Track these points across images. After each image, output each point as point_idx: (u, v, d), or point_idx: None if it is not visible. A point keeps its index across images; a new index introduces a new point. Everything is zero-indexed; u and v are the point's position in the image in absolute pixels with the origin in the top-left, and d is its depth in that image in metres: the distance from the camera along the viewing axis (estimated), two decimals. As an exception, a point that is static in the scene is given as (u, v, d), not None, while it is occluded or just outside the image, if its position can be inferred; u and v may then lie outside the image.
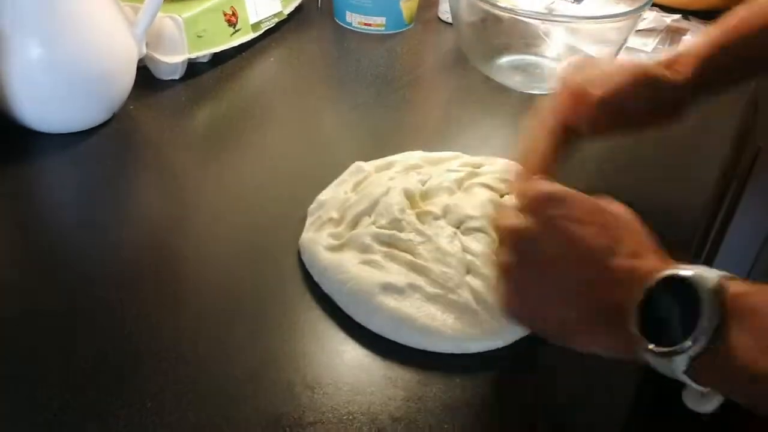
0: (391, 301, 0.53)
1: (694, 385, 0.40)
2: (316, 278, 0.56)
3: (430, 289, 0.53)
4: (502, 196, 0.62)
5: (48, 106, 0.70)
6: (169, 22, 0.79)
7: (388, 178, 0.63)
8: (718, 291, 0.38)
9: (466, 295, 0.53)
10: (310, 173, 0.68)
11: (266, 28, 0.92)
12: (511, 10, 0.80)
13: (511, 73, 0.87)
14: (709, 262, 0.87)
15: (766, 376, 0.37)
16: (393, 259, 0.56)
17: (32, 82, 0.68)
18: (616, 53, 0.84)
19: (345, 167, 0.66)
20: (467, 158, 0.68)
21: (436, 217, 0.59)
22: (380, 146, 0.70)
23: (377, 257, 0.55)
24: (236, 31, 0.86)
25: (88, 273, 0.57)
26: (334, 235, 0.58)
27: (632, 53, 0.92)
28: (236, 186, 0.68)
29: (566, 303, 0.44)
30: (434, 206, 0.59)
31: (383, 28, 0.97)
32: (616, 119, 0.58)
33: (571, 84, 0.58)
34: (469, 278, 0.54)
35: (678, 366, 0.39)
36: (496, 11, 0.80)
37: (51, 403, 0.46)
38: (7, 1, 0.66)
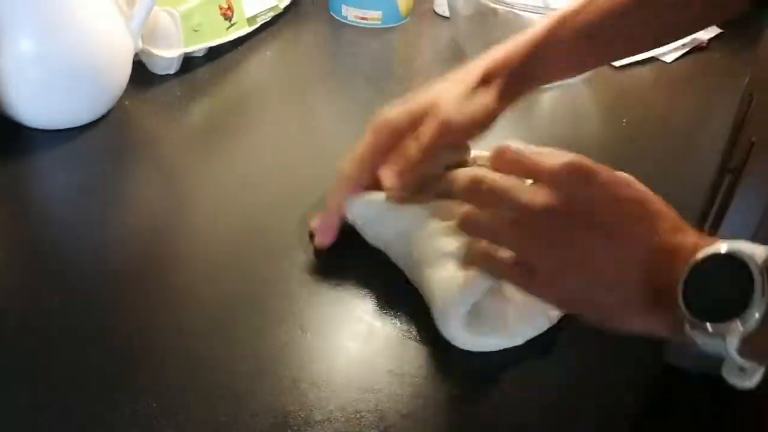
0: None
1: (739, 360, 0.39)
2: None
3: None
4: None
5: (42, 102, 0.69)
6: (165, 16, 0.78)
7: None
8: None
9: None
10: (308, 167, 0.68)
11: (262, 22, 0.91)
12: (507, 4, 0.80)
13: (509, 67, 0.87)
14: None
15: None
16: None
17: (26, 78, 0.67)
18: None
19: (343, 161, 0.65)
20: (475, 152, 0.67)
21: None
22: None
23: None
24: (232, 24, 0.85)
25: (86, 270, 0.57)
26: None
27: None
28: (234, 181, 0.67)
29: (610, 287, 0.42)
30: None
31: (379, 22, 0.96)
32: None
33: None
34: None
35: (731, 344, 0.38)
36: (493, 5, 0.80)
37: (53, 404, 0.46)
38: (-1, -5, 0.65)
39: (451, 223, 0.53)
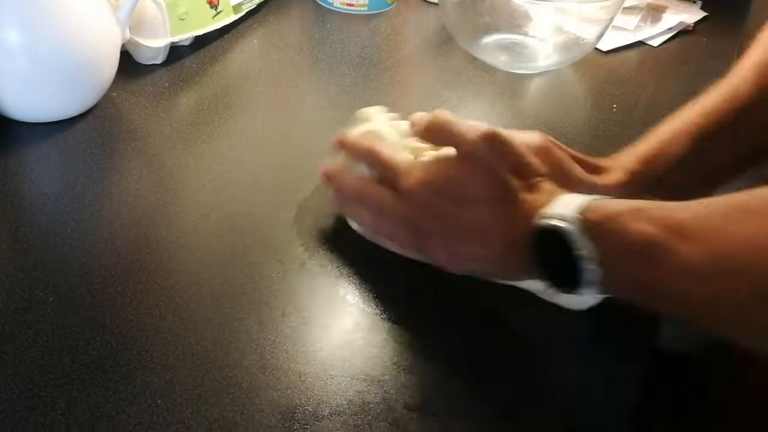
0: None
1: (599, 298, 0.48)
2: None
3: None
4: None
5: (29, 95, 0.68)
6: (151, 5, 0.77)
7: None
8: (584, 229, 0.42)
9: None
10: (297, 156, 0.68)
11: (247, 10, 0.90)
12: (497, -11, 0.79)
13: (497, 52, 0.87)
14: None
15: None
16: None
17: (13, 70, 0.66)
18: (603, 32, 0.84)
19: (332, 149, 0.65)
20: None
21: None
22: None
23: None
24: (218, 13, 0.84)
25: (82, 266, 0.56)
26: None
27: (616, 32, 0.92)
28: (225, 170, 0.67)
29: (481, 241, 0.49)
30: None
31: (366, 8, 0.95)
32: None
33: None
34: None
35: (586, 299, 0.46)
36: (483, -10, 0.80)
37: (58, 403, 0.45)
38: (-16, -14, 0.63)
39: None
